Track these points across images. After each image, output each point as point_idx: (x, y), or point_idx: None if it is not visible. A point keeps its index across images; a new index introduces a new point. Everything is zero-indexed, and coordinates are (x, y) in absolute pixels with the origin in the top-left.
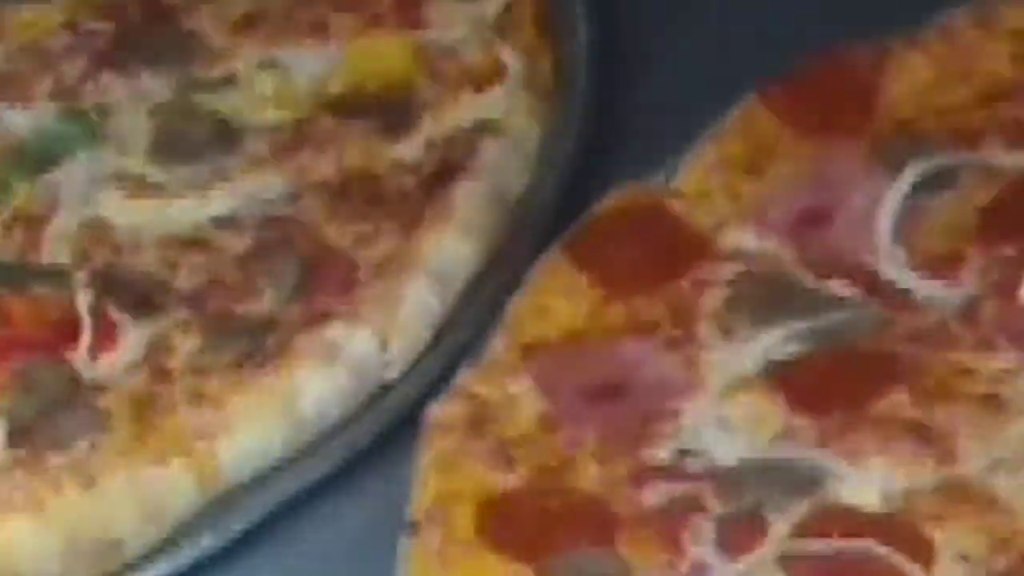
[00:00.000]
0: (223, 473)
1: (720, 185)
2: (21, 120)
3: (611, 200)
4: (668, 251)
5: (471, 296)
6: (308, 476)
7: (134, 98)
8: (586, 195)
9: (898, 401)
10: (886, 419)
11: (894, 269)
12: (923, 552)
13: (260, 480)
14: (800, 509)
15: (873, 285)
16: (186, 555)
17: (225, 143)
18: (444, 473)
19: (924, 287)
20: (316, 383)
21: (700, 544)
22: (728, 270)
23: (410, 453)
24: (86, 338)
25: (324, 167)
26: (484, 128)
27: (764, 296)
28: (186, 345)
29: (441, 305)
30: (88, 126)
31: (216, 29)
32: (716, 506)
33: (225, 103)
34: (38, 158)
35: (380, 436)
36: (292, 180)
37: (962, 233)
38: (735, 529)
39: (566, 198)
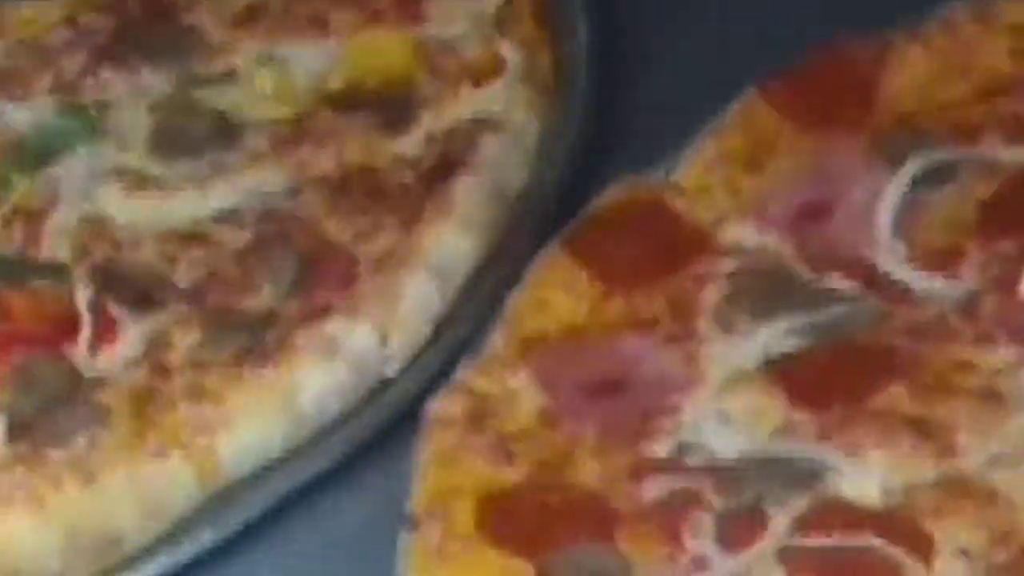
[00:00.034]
0: (223, 468)
1: (720, 180)
2: (21, 115)
3: (611, 195)
4: (668, 246)
5: (471, 291)
6: (308, 471)
7: (134, 93)
8: (586, 190)
9: (898, 395)
10: (885, 413)
11: (894, 263)
12: (923, 546)
13: (260, 475)
14: (800, 504)
15: (873, 279)
16: (186, 550)
17: (225, 138)
18: (444, 468)
19: (923, 281)
20: (316, 378)
21: (700, 539)
22: (728, 265)
23: (410, 448)
24: (86, 333)
25: (324, 162)
26: (484, 123)
27: (764, 290)
28: (186, 340)
29: (441, 300)
30: (88, 121)
31: (216, 24)
32: (716, 501)
33: (225, 98)
34: (38, 153)
35: (380, 431)
36: (292, 175)
37: (962, 228)
38: (735, 524)
39: (566, 193)
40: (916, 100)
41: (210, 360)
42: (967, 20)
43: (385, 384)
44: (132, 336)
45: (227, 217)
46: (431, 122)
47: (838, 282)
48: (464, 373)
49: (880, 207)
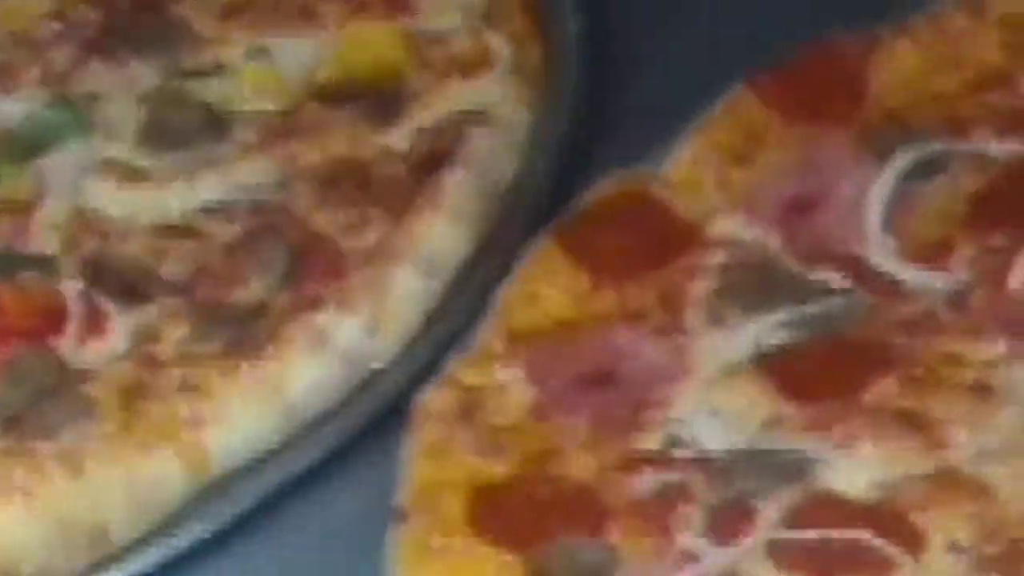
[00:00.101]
0: (212, 461)
1: (709, 173)
2: (9, 108)
3: (601, 188)
4: (657, 239)
5: (461, 284)
6: (297, 464)
7: (123, 86)
8: (576, 183)
9: (888, 389)
10: (876, 407)
11: (883, 257)
12: (913, 540)
13: (249, 468)
14: (790, 497)
15: (862, 273)
16: (176, 544)
17: (214, 131)
18: (433, 461)
19: (913, 275)
20: (305, 371)
21: (689, 532)
22: (717, 258)
23: (399, 441)
24: (74, 326)
25: (313, 155)
26: (473, 116)
27: (753, 284)
28: (175, 333)
29: (430, 293)
30: (77, 114)
31: (204, 17)
32: (705, 494)
33: (214, 91)
34: (26, 146)
35: (369, 424)
36: (281, 168)
37: (952, 221)
38: (724, 517)
39: (556, 186)
40: (905, 93)
41: (199, 353)
42: (957, 13)
43: (375, 377)
44: (121, 329)
45: (216, 210)
46: (420, 115)
47: (828, 275)
48: (454, 366)
49: (870, 200)
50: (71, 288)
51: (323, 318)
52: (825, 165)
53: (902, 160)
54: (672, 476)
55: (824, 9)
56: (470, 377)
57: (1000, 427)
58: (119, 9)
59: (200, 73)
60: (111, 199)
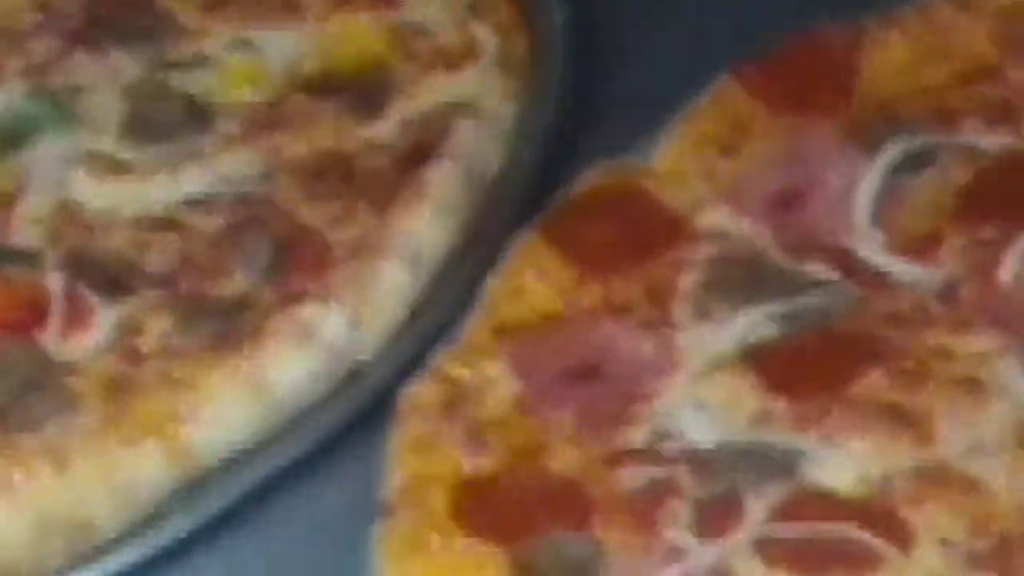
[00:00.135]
0: (196, 455)
1: (696, 165)
2: None
3: (586, 180)
4: (644, 231)
5: (446, 277)
6: (282, 458)
7: (105, 78)
8: (561, 175)
9: (876, 383)
10: (863, 401)
11: (872, 250)
12: (901, 535)
13: (233, 462)
14: (777, 492)
15: (850, 266)
16: (160, 538)
17: (197, 123)
18: (419, 455)
19: (902, 268)
20: (290, 364)
21: (676, 527)
22: (704, 250)
23: (384, 435)
24: (57, 319)
25: (297, 147)
26: (458, 108)
27: (740, 277)
28: (158, 326)
29: (416, 286)
30: (59, 106)
31: (188, 8)
32: (692, 489)
33: (197, 83)
34: (8, 138)
35: (354, 417)
36: (265, 160)
37: (941, 214)
38: (711, 512)
39: (541, 178)
40: (894, 85)
41: (183, 346)
42: (945, 4)
43: (360, 370)
44: (104, 322)
45: (200, 202)
46: (405, 107)
47: (816, 268)
48: (439, 359)
49: (858, 192)
50: (54, 281)
51: (308, 311)
52: (812, 157)
53: (891, 152)
54: (659, 471)
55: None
56: (456, 370)
57: (990, 421)
58: (102, 0)
59: (184, 65)
60: (94, 192)
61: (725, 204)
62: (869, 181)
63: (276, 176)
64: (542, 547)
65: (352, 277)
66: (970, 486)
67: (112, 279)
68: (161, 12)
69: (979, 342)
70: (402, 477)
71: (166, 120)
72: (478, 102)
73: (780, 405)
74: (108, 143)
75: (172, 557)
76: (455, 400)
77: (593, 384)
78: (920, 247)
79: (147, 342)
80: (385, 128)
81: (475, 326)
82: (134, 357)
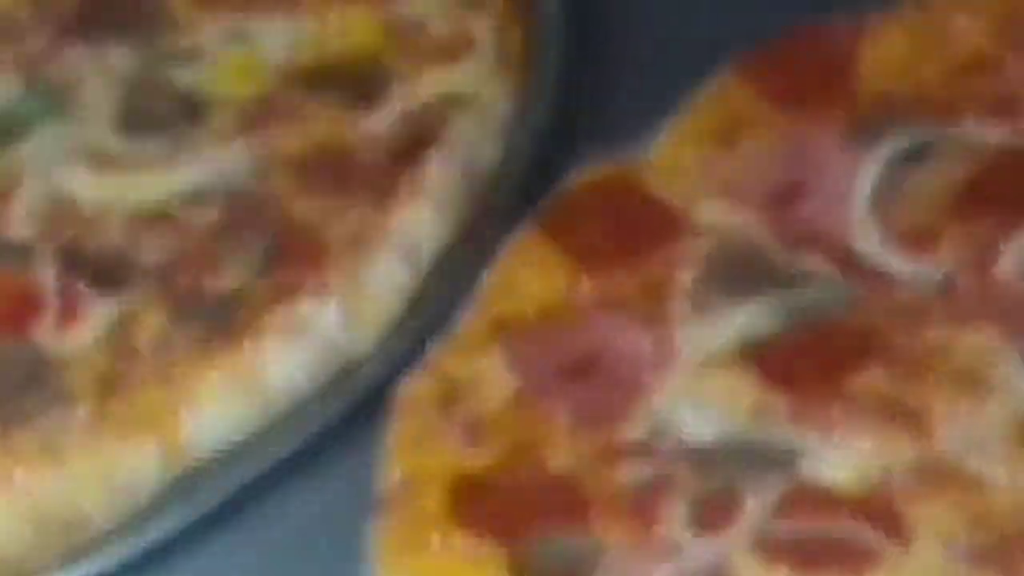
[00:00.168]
0: (191, 449)
1: (694, 159)
2: None
3: (583, 174)
4: (641, 226)
5: (441, 271)
6: (276, 453)
7: (100, 71)
8: (558, 169)
9: (874, 378)
10: (862, 396)
11: (870, 243)
12: (900, 531)
13: (228, 457)
14: (775, 487)
15: (848, 260)
16: (154, 532)
17: (192, 116)
18: (414, 451)
19: (901, 263)
20: (284, 359)
21: (674, 523)
22: (702, 245)
23: (379, 430)
24: (51, 313)
25: (292, 141)
26: (454, 101)
27: (738, 272)
28: (153, 321)
29: (411, 280)
30: (52, 99)
31: (182, 1)
32: (690, 485)
33: (192, 76)
34: (2, 131)
35: (349, 413)
36: (260, 154)
37: (940, 207)
38: (709, 507)
39: (538, 172)
40: (893, 79)
41: (177, 341)
42: None
43: (355, 365)
44: (98, 317)
45: (194, 196)
46: (401, 100)
47: (814, 263)
48: (435, 354)
49: (857, 186)
50: (48, 275)
51: (303, 306)
52: (811, 151)
53: (889, 147)
54: (656, 467)
55: None
56: (451, 366)
57: (988, 416)
58: None
59: (178, 58)
60: (88, 185)
61: (723, 199)
62: (867, 175)
63: (271, 170)
64: (539, 543)
65: (347, 271)
66: (969, 482)
67: (106, 273)
68: (155, 5)
69: (977, 337)
70: (398, 473)
71: (160, 113)
72: (474, 96)
73: (778, 400)
74: (102, 136)
75: (166, 552)
76: (451, 395)
77: (590, 379)
78: (919, 241)
79: (141, 337)
80: (380, 122)
81: (471, 321)
82: (128, 352)
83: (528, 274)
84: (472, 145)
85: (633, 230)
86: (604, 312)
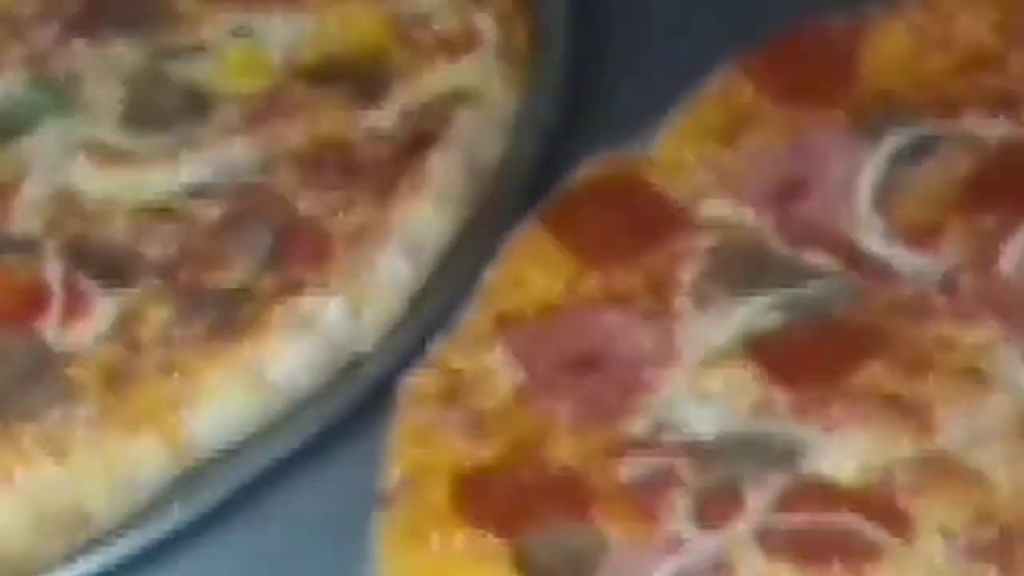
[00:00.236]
0: (195, 444)
1: (697, 155)
2: None
3: (587, 170)
4: (644, 221)
5: (445, 266)
6: (281, 447)
7: (105, 66)
8: (562, 165)
9: (877, 373)
10: (864, 391)
11: (873, 240)
12: (902, 526)
13: (233, 452)
14: (777, 482)
15: (851, 256)
16: (159, 527)
17: (197, 111)
18: (418, 445)
19: (903, 258)
20: (289, 354)
21: (676, 517)
22: (705, 240)
23: (384, 425)
24: (56, 308)
25: (296, 136)
26: (459, 97)
27: (741, 267)
28: (158, 315)
29: (415, 275)
30: (58, 94)
31: None
32: (693, 479)
33: (197, 71)
34: (8, 126)
35: (353, 407)
36: (265, 149)
37: (942, 204)
38: (711, 502)
39: (542, 168)
40: (896, 74)
41: (182, 335)
42: None
43: (359, 360)
44: (103, 311)
45: (199, 191)
46: (405, 96)
47: (817, 258)
48: (439, 349)
49: (859, 182)
50: (53, 270)
51: (307, 301)
52: (815, 147)
53: (893, 142)
54: (659, 461)
55: None
56: (455, 361)
57: (991, 412)
58: None
59: (183, 53)
60: (94, 180)
61: (726, 194)
62: (871, 171)
63: (275, 165)
64: (543, 538)
65: (351, 267)
66: (971, 477)
67: (111, 268)
68: (160, 0)
69: (980, 332)
70: (402, 468)
71: (165, 108)
72: (478, 91)
73: (781, 395)
74: (108, 131)
75: (170, 547)
76: (455, 390)
77: (593, 374)
78: (921, 237)
79: (146, 332)
80: (385, 117)
81: (475, 316)
82: (133, 347)
83: (531, 270)
84: (476, 141)
85: (636, 226)
86: (607, 308)
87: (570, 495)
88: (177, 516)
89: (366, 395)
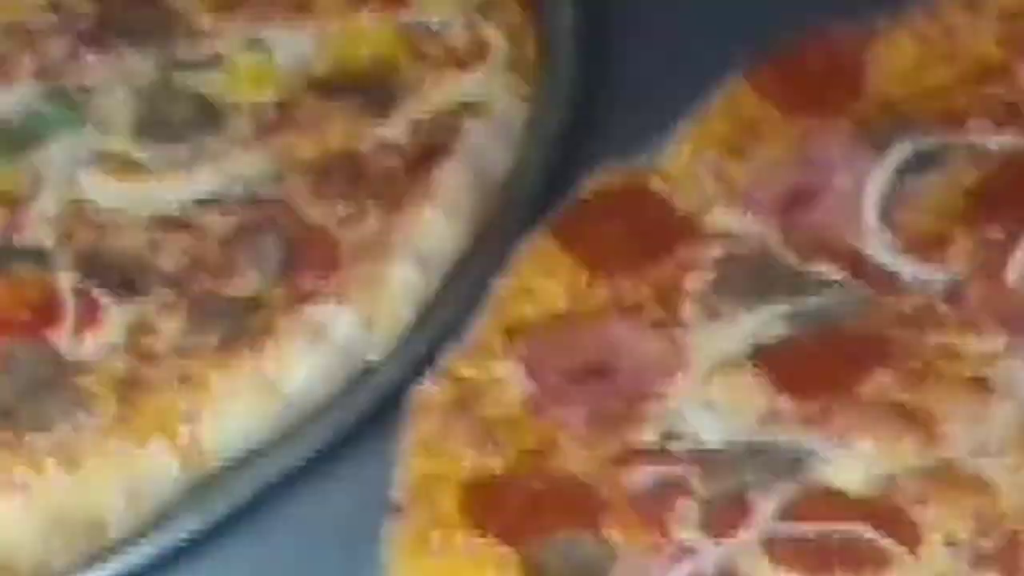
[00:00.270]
0: (207, 454)
1: (705, 165)
2: (4, 100)
3: (596, 181)
4: (653, 232)
5: (455, 277)
6: (292, 457)
7: (118, 78)
8: (571, 175)
9: (884, 383)
10: (872, 401)
11: (880, 250)
12: (910, 535)
13: (244, 462)
14: (785, 491)
15: (859, 266)
16: (170, 537)
17: (209, 123)
18: (428, 455)
19: (910, 268)
20: (300, 364)
21: (685, 526)
22: (713, 251)
23: (394, 434)
24: (69, 319)
25: (308, 147)
26: (468, 108)
27: (749, 277)
28: (170, 326)
29: (425, 286)
30: (71, 106)
31: (200, 9)
32: (701, 488)
33: (209, 83)
34: (21, 138)
35: (364, 417)
36: (276, 160)
37: (949, 214)
38: (720, 511)
39: (551, 178)
40: (902, 86)
41: (194, 346)
42: (954, 5)
43: (370, 370)
44: (116, 322)
45: (212, 202)
46: (415, 107)
47: (824, 269)
48: (449, 359)
49: (867, 193)
50: (66, 281)
51: (318, 311)
52: (822, 158)
53: (899, 153)
54: (668, 470)
55: (821, 1)
56: (466, 370)
57: (997, 421)
58: (114, 1)
59: (195, 65)
60: (106, 191)
61: (734, 205)
62: (877, 182)
63: (286, 176)
64: (552, 546)
65: (362, 277)
66: (977, 485)
67: (124, 279)
68: (173, 13)
69: (986, 342)
70: (412, 477)
71: (177, 120)
72: (488, 103)
73: (789, 405)
74: (120, 143)
75: (182, 556)
76: (465, 400)
77: (602, 384)
78: (928, 247)
79: (158, 342)
80: (395, 128)
81: (485, 326)
82: (145, 356)
83: (540, 280)
84: (485, 152)
85: (645, 236)
86: (616, 317)
87: (579, 504)
88: (189, 524)
89: (376, 404)
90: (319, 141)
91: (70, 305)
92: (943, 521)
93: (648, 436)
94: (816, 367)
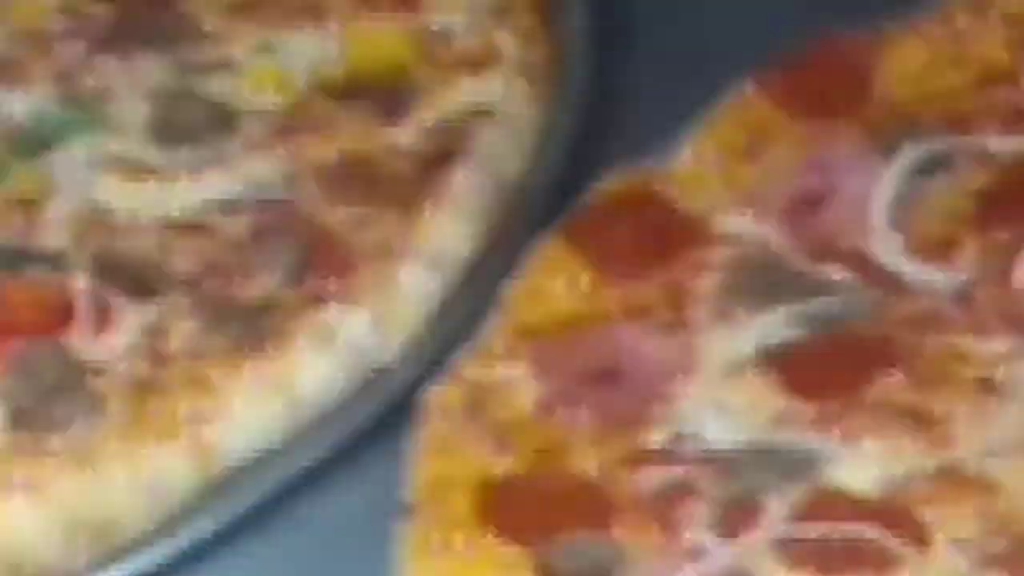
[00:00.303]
0: (220, 456)
1: (715, 169)
2: (19, 104)
3: (606, 184)
4: (663, 235)
5: (467, 280)
6: (304, 460)
7: (131, 82)
8: (582, 179)
9: (894, 385)
10: (881, 403)
11: (889, 253)
12: (918, 536)
13: (257, 463)
14: (796, 493)
15: (868, 269)
16: (184, 538)
17: (222, 127)
18: (440, 457)
19: (919, 271)
20: (313, 366)
21: (696, 528)
22: (723, 254)
23: (407, 436)
24: (83, 321)
25: (321, 151)
26: (480, 112)
27: (759, 280)
28: (183, 329)
29: (437, 289)
30: (86, 110)
31: (213, 13)
32: (712, 490)
33: (222, 87)
34: (36, 142)
35: (376, 420)
36: (289, 164)
37: (957, 218)
38: (731, 513)
39: (562, 182)
40: (911, 90)
41: (208, 348)
42: (962, 10)
43: (381, 373)
44: (130, 324)
45: (225, 206)
46: (428, 111)
47: (834, 272)
48: (460, 362)
49: (876, 197)
50: (80, 283)
51: (331, 314)
52: (831, 162)
53: (908, 157)
54: (678, 472)
55: (830, 5)
56: (476, 373)
57: (1005, 423)
58: (128, 5)
59: (209, 69)
60: (120, 195)
61: (744, 208)
62: (886, 185)
63: (300, 180)
64: (563, 548)
65: (375, 280)
66: (986, 488)
67: (138, 281)
68: (186, 17)
69: (995, 345)
70: (424, 478)
71: (191, 124)
72: (500, 107)
73: (798, 407)
74: (134, 146)
75: (196, 557)
76: (477, 402)
77: (613, 386)
78: (937, 250)
79: (172, 344)
80: (407, 132)
81: (496, 329)
82: (159, 359)
83: (553, 283)
84: (498, 156)
85: (656, 239)
86: (628, 320)
87: (592, 505)
88: (202, 525)
89: (389, 407)
90: (332, 145)
91: (85, 307)
92: (951, 522)
93: (659, 438)
94: (825, 369)
